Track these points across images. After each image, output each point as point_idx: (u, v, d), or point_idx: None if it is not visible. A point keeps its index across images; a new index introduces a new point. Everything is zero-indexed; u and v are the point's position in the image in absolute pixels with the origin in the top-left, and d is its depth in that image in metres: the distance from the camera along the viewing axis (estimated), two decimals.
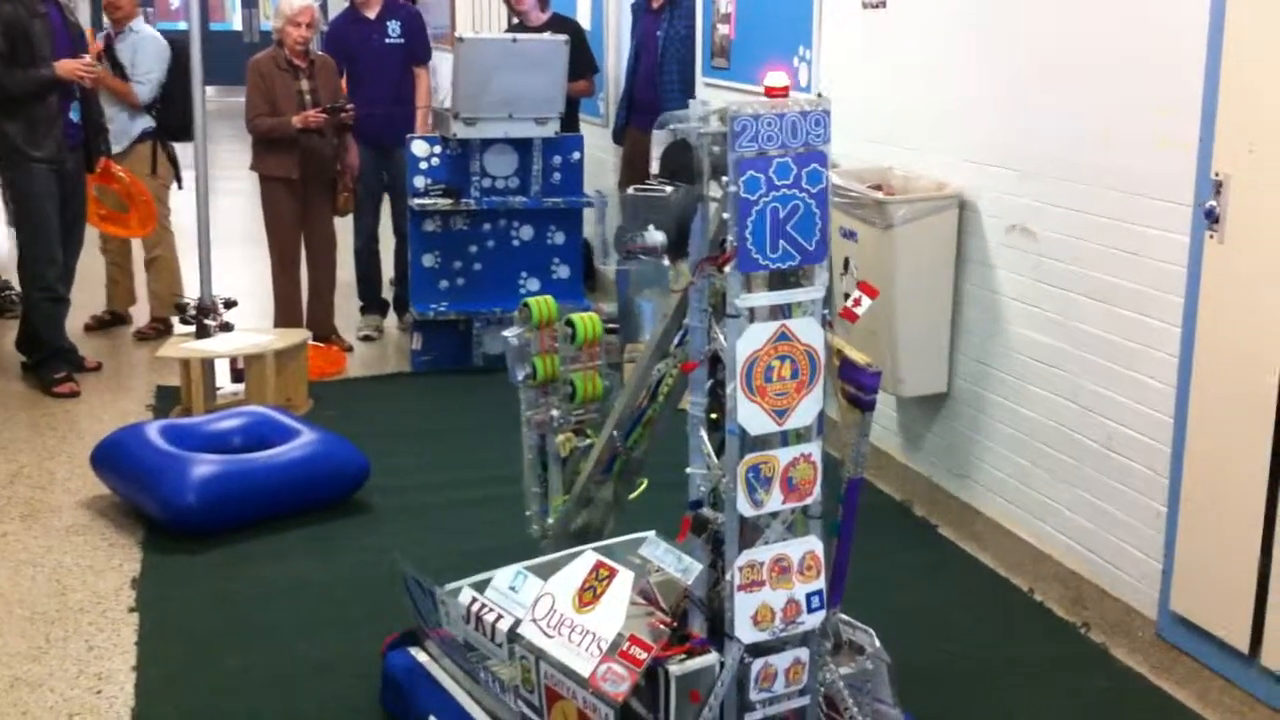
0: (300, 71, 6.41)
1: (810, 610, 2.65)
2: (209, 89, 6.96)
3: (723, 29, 6.09)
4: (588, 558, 2.83)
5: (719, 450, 2.63)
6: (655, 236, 2.53)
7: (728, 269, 2.49)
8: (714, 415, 2.65)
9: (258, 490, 4.47)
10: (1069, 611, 3.93)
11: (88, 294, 6.99)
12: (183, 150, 6.88)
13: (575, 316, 3.32)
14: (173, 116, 6.87)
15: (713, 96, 6.28)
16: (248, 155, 6.69)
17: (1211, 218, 3.28)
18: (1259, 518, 3.21)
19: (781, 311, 2.55)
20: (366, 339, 7.02)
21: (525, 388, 3.33)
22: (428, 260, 6.48)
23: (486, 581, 3.06)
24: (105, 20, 7.06)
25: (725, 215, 2.48)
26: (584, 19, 8.05)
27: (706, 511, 2.67)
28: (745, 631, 2.58)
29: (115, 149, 6.66)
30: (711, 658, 2.65)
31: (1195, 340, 3.39)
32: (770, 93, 2.53)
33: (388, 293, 7.33)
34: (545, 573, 2.93)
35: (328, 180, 6.56)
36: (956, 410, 4.48)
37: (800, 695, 2.73)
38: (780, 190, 2.47)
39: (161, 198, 6.96)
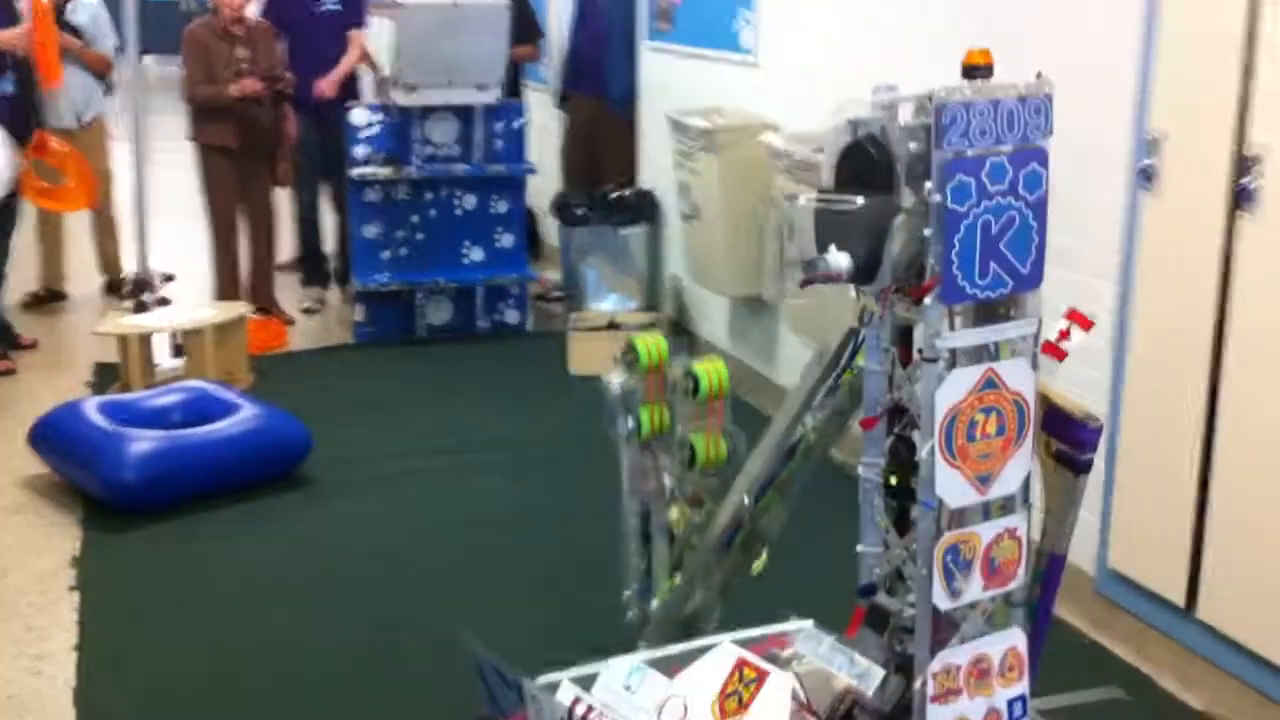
0: (237, 40, 6.30)
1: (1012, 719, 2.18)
2: (146, 58, 6.85)
3: None
4: (727, 652, 2.29)
5: (899, 525, 2.16)
6: (839, 260, 2.00)
7: (927, 300, 1.98)
8: (893, 481, 2.16)
9: (198, 466, 4.42)
10: None
11: (19, 272, 6.89)
12: None
13: (699, 367, 2.71)
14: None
15: (656, 61, 6.25)
16: (185, 125, 6.58)
17: (1147, 175, 3.30)
18: (1194, 474, 3.25)
19: (986, 354, 2.05)
20: (308, 311, 6.95)
21: (629, 445, 2.80)
22: (369, 231, 6.41)
23: (591, 677, 2.43)
24: None
25: (926, 231, 1.96)
26: None
27: (883, 599, 2.19)
28: None
29: (85, 117, 6.60)
30: None
31: (1132, 298, 3.42)
32: (972, 71, 2.00)
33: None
34: (666, 667, 2.38)
35: (266, 150, 6.47)
36: None
37: None
38: (994, 199, 1.97)
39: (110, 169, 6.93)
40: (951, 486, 2.02)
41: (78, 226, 7.19)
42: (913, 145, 1.95)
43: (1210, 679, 3.27)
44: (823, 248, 2.01)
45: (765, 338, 5.39)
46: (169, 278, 6.82)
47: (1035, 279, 2.04)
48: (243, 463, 4.50)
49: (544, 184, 7.22)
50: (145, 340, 5.54)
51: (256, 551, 4.13)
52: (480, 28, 6.11)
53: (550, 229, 7.34)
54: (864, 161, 2.00)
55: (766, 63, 5.21)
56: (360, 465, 4.79)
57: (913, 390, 2.05)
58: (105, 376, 5.73)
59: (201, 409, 4.74)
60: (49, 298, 7.12)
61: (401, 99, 6.14)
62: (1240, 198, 3.05)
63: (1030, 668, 2.23)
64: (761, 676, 2.22)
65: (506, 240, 6.59)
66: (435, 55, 6.04)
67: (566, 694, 2.37)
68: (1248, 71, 3.01)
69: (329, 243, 7.23)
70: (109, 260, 7.26)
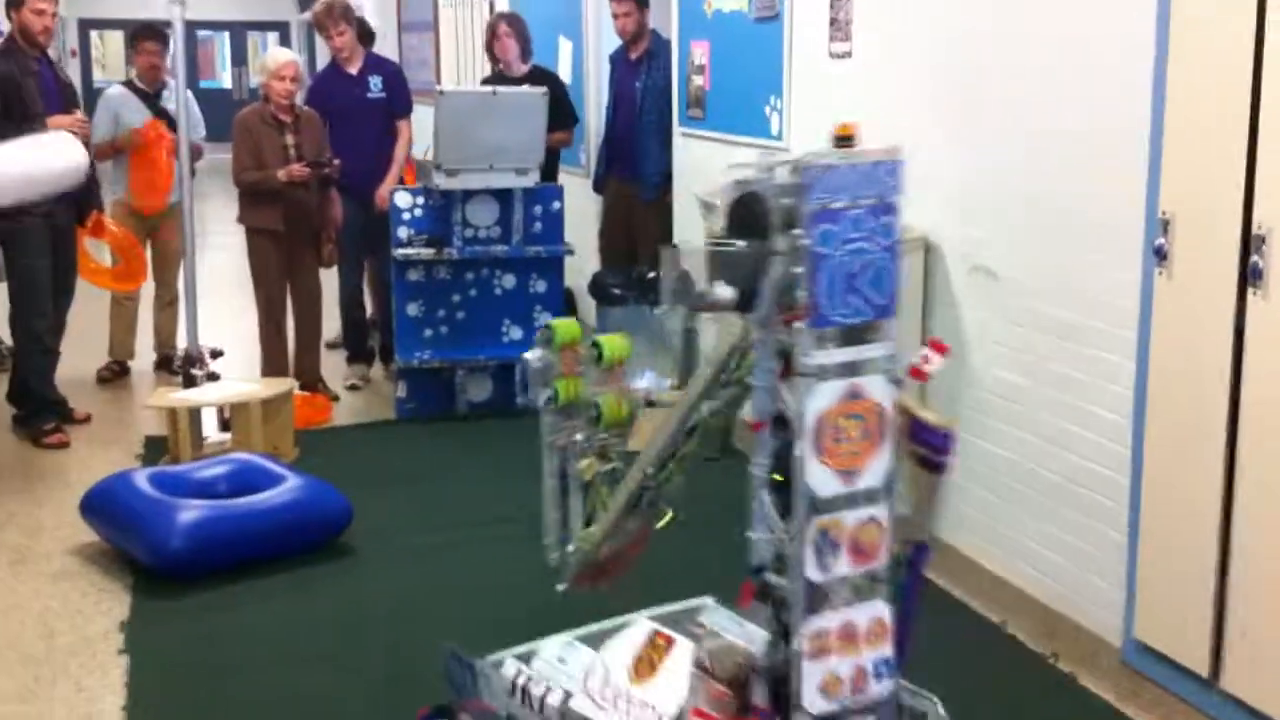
0: (285, 126, 6.53)
1: (878, 678, 2.55)
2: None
3: (698, 80, 6.24)
4: (643, 626, 2.76)
5: (783, 513, 2.50)
6: (725, 292, 2.44)
7: (798, 325, 2.39)
8: (778, 477, 2.52)
9: (243, 534, 4.55)
10: (1039, 643, 4.01)
11: (91, 345, 7.15)
12: None
13: (601, 338, 3.21)
14: None
15: (689, 146, 6.43)
16: (235, 209, 6.81)
17: (1160, 255, 3.41)
18: (1214, 546, 3.31)
19: (851, 369, 2.45)
20: (353, 388, 7.11)
21: (547, 412, 3.22)
22: (412, 309, 6.58)
23: (531, 653, 2.95)
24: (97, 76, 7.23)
25: (796, 269, 2.37)
26: (564, 71, 8.22)
27: (770, 577, 2.53)
28: (814, 702, 2.45)
29: (173, 200, 6.92)
30: None
31: (1149, 375, 3.50)
32: (840, 140, 2.48)
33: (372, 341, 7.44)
34: (595, 642, 2.82)
35: (312, 232, 6.67)
36: None
37: None
38: (853, 243, 2.39)
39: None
40: (821, 480, 2.41)
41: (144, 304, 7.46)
42: (785, 200, 2.36)
43: None
44: (710, 282, 2.45)
45: None
46: (218, 354, 7.01)
47: (890, 309, 2.46)
48: (286, 532, 4.63)
49: (581, 264, 7.38)
50: (194, 414, 5.71)
51: (298, 617, 4.24)
52: (518, 115, 6.31)
53: (588, 308, 7.49)
54: (748, 212, 2.42)
55: (795, 147, 5.37)
56: (399, 536, 4.91)
57: (789, 400, 2.42)
58: (155, 448, 5.89)
59: (247, 480, 4.87)
60: (121, 371, 7.36)
61: (443, 183, 6.33)
62: (1250, 275, 3.15)
63: (903, 640, 2.64)
64: (670, 644, 2.68)
65: (545, 319, 6.72)
66: (475, 141, 6.23)
67: (510, 668, 2.89)
68: (1252, 154, 3.12)
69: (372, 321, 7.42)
70: (164, 337, 7.48)
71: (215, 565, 4.46)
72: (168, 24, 6.47)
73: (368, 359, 7.37)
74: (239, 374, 6.52)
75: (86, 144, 6.22)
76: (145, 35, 7.28)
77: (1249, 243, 3.14)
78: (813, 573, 2.44)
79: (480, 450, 6.02)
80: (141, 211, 7.13)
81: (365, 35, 7.88)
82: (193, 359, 6.06)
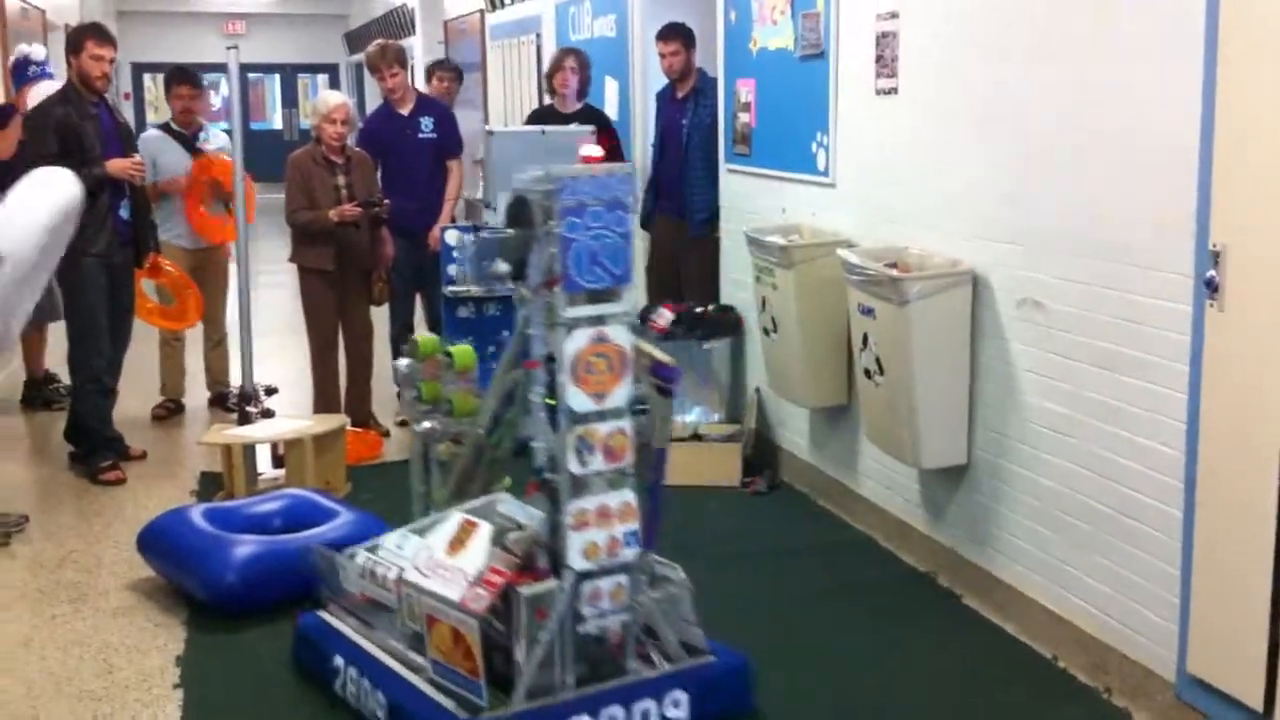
0: (337, 167, 6.62)
1: (627, 546, 3.51)
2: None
3: (744, 117, 6.29)
4: (456, 517, 3.67)
5: (554, 428, 3.44)
6: (501, 267, 3.50)
7: (556, 289, 3.38)
8: (550, 400, 3.45)
9: (296, 570, 4.59)
10: (1091, 677, 3.98)
11: (144, 383, 7.28)
12: None
13: (453, 348, 4.21)
14: None
15: (735, 183, 6.47)
16: (288, 248, 6.92)
17: (1211, 287, 3.40)
18: (1268, 578, 3.29)
19: (598, 321, 3.44)
20: (403, 424, 7.16)
21: (413, 406, 4.18)
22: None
23: (376, 545, 3.91)
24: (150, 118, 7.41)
25: (553, 250, 3.36)
26: (611, 109, 8.29)
27: (547, 475, 3.50)
28: (577, 561, 3.43)
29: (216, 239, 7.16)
30: (552, 583, 3.44)
31: (1201, 406, 3.49)
32: (588, 160, 4.06)
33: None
34: (423, 534, 3.77)
35: (363, 271, 6.75)
36: (976, 481, 4.57)
37: (622, 613, 3.54)
38: (594, 230, 3.40)
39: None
40: (578, 401, 3.42)
41: (193, 343, 7.59)
42: (546, 201, 3.37)
43: None
44: (491, 260, 3.53)
45: (845, 448, 5.49)
46: (272, 390, 7.11)
47: (626, 278, 3.50)
48: None
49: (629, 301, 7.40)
50: (249, 450, 5.79)
51: None
52: (566, 154, 6.36)
53: None
54: (519, 210, 3.45)
55: (842, 183, 5.40)
56: None
57: (553, 344, 3.42)
58: (209, 484, 5.97)
59: (301, 515, 4.93)
60: (176, 409, 7.48)
61: (492, 220, 6.40)
62: None
63: (652, 526, 3.62)
64: (475, 527, 3.59)
65: None
66: None
67: (361, 557, 3.89)
68: None
69: None
70: (216, 374, 7.60)
71: (269, 600, 4.51)
72: (204, 68, 6.59)
73: None
74: (292, 410, 6.60)
75: (142, 186, 6.38)
76: (179, 79, 7.43)
77: None
78: (574, 468, 3.43)
79: (523, 484, 6.04)
80: (203, 239, 7.29)
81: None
82: (248, 396, 6.13)
